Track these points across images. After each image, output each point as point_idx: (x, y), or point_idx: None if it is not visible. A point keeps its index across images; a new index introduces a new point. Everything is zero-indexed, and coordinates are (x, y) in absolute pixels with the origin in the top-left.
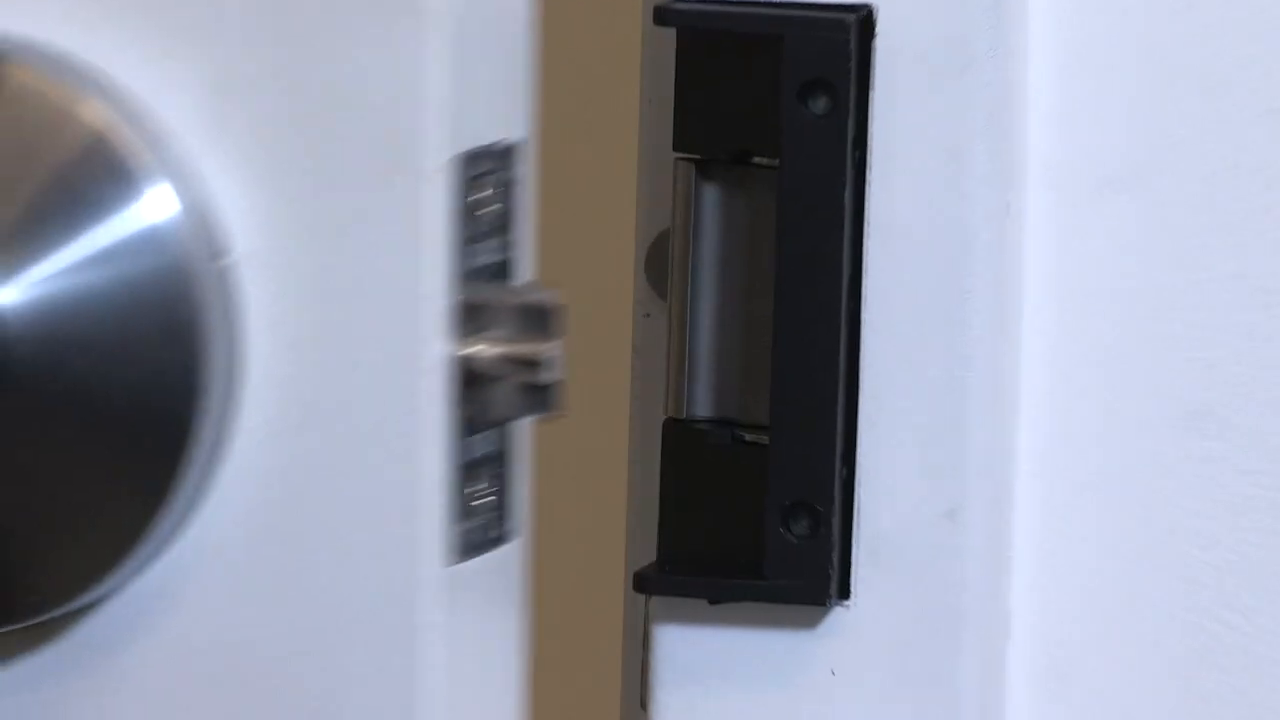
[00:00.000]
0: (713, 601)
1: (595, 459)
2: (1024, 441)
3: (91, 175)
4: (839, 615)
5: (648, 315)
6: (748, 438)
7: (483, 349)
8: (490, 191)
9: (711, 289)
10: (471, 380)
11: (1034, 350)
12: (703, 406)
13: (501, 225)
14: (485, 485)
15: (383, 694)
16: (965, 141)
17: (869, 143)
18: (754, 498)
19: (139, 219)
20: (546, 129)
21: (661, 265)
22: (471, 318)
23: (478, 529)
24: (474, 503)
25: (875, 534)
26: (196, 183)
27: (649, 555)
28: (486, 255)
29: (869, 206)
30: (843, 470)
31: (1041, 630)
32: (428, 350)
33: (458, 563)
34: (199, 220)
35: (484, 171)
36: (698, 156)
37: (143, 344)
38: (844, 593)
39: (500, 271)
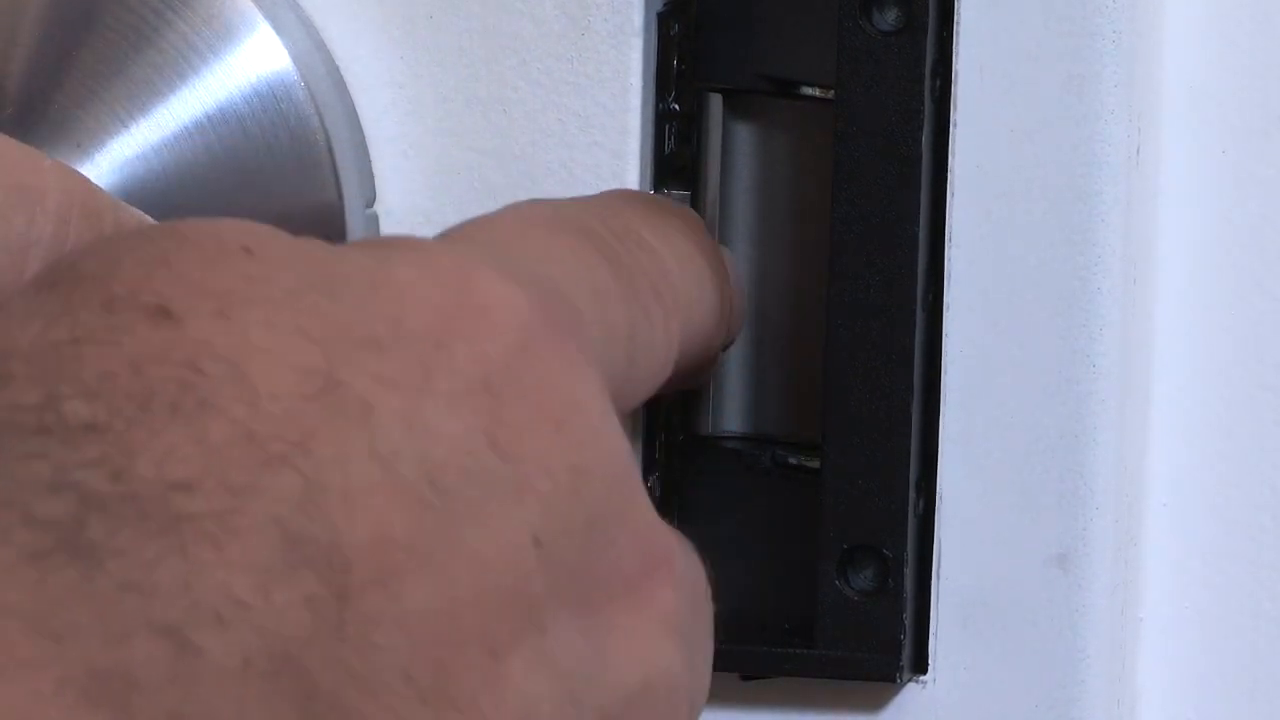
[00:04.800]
0: (745, 677)
1: None
2: (1158, 465)
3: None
4: (914, 695)
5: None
6: (792, 460)
7: None
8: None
9: (744, 260)
10: None
11: (1174, 342)
12: (733, 419)
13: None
14: None
15: None
16: (1088, 67)
17: (954, 68)
18: (801, 539)
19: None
20: None
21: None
22: None
23: None
24: None
25: (962, 588)
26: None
27: None
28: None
29: (954, 153)
30: (918, 503)
31: (1180, 714)
32: None
33: None
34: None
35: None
36: (726, 87)
37: None
38: (920, 665)
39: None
